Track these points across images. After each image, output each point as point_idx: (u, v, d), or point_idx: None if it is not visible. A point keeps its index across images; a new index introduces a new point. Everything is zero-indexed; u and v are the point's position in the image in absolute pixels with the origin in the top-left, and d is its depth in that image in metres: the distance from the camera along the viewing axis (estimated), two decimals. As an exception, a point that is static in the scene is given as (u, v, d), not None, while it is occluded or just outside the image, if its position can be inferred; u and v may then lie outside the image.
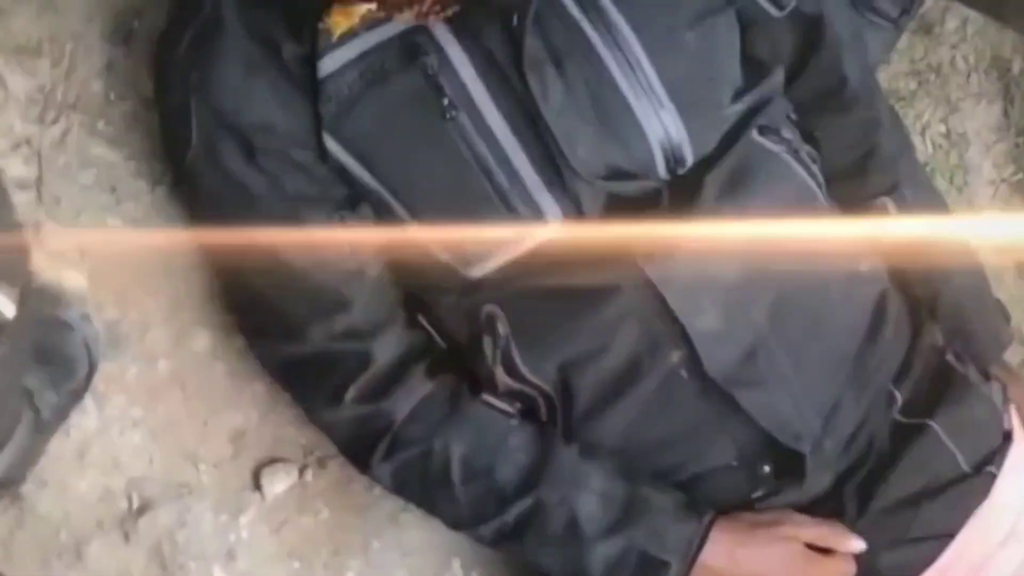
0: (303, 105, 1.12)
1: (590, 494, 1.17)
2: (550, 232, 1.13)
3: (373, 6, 1.08)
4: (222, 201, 1.16)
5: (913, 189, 1.31)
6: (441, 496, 1.20)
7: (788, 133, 1.21)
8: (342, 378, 1.18)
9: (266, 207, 1.14)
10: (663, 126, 1.12)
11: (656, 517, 1.17)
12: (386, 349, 1.18)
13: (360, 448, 1.20)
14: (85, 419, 1.28)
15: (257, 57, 1.11)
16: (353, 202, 1.15)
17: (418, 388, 1.19)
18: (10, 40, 1.28)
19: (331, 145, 1.12)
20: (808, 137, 1.26)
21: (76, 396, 1.27)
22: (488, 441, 1.18)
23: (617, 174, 1.13)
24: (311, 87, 1.11)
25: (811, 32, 1.24)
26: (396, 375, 1.18)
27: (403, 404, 1.18)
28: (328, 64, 1.10)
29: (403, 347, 1.19)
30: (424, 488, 1.20)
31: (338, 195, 1.15)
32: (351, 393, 1.17)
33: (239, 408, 1.35)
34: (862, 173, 1.30)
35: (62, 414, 1.25)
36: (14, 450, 1.16)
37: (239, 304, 1.26)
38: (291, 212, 1.14)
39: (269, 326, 1.21)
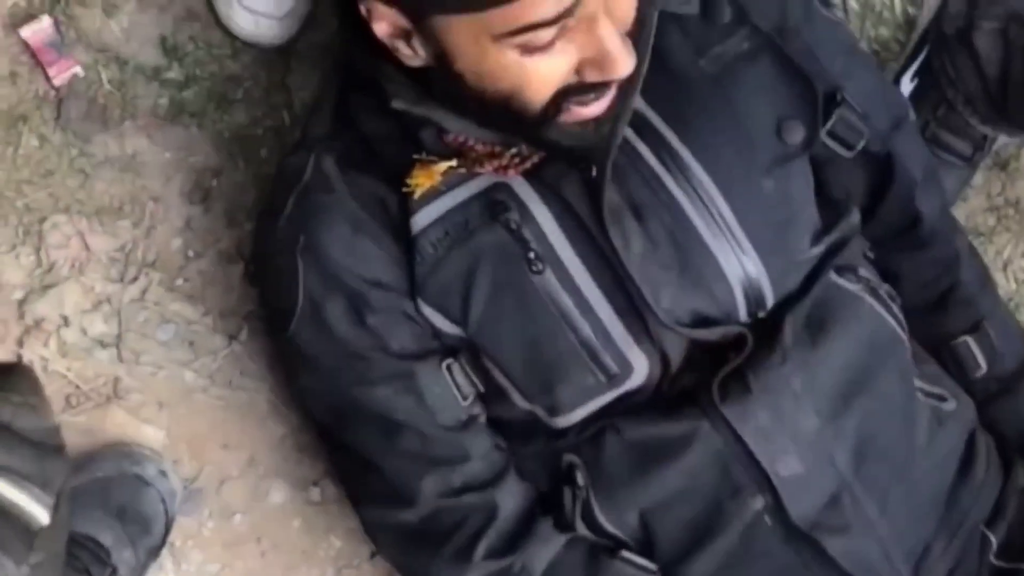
0: (405, 259, 1.12)
1: None
2: (636, 382, 1.12)
3: (453, 163, 1.10)
4: (329, 362, 1.15)
5: (996, 326, 1.28)
6: None
7: (866, 272, 1.20)
8: (468, 535, 1.14)
9: (376, 367, 1.13)
10: (744, 270, 1.12)
11: None
12: (510, 498, 1.16)
13: None
14: (162, 576, 1.28)
15: (361, 215, 1.12)
16: (452, 352, 1.15)
17: (552, 539, 1.15)
18: (92, 202, 1.32)
19: (419, 302, 1.13)
20: (887, 275, 1.25)
21: (153, 553, 1.27)
22: None
23: (701, 321, 1.12)
24: (408, 242, 1.12)
25: (882, 171, 1.24)
26: (526, 526, 1.15)
27: (540, 556, 1.15)
28: (418, 221, 1.11)
29: (527, 496, 1.17)
30: None
31: (439, 345, 1.14)
32: (480, 550, 1.14)
33: (316, 563, 1.34)
34: (943, 311, 1.28)
35: (140, 572, 1.25)
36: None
37: (348, 471, 1.24)
38: (402, 369, 1.13)
39: (381, 492, 1.18)
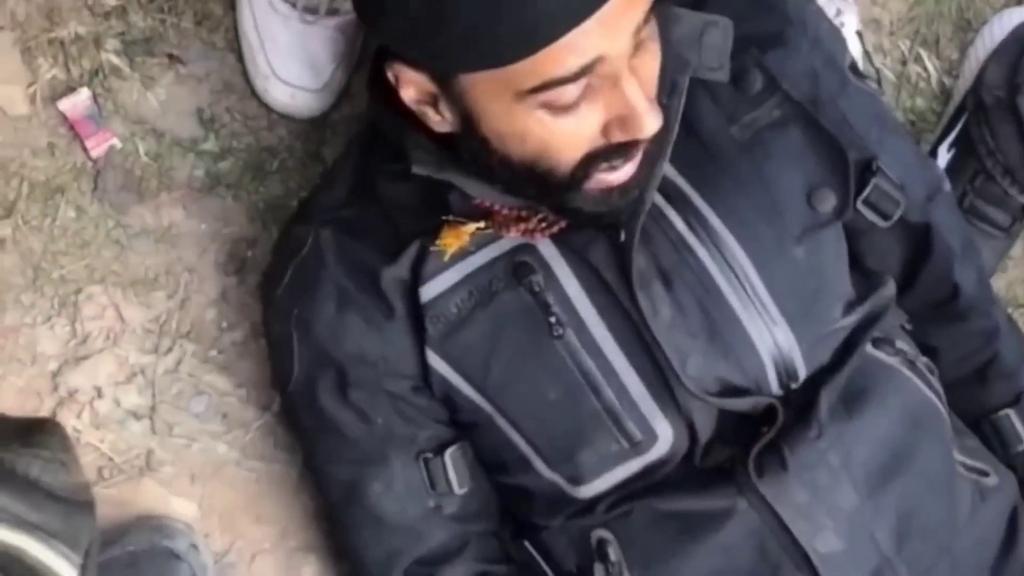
0: (401, 330, 1.13)
1: None
2: (661, 451, 1.10)
3: (482, 224, 1.09)
4: (316, 435, 1.19)
5: (1039, 399, 1.26)
6: None
7: (903, 344, 1.19)
8: None
9: (354, 445, 1.16)
10: (774, 340, 1.11)
11: None
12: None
13: None
14: (192, 651, 1.26)
15: (351, 289, 1.13)
16: (442, 442, 1.16)
17: None
18: (128, 274, 1.32)
19: (437, 364, 1.12)
20: (925, 348, 1.24)
21: (183, 629, 1.25)
22: None
23: (729, 390, 1.11)
24: (411, 310, 1.12)
25: (920, 242, 1.23)
26: None
27: None
28: (435, 287, 1.11)
29: (470, 574, 1.18)
30: None
31: (427, 433, 1.16)
32: None
33: (347, 639, 1.32)
34: (982, 383, 1.26)
35: (169, 647, 1.24)
36: None
37: (338, 544, 1.28)
38: (376, 451, 1.16)
39: (356, 569, 1.22)
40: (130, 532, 1.24)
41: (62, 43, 1.32)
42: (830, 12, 1.37)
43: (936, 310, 1.25)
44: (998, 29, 1.47)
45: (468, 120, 0.99)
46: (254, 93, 1.35)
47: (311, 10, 1.31)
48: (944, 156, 1.45)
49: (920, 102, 1.48)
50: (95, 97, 1.32)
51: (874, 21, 1.48)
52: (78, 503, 0.89)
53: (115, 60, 1.33)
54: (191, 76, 1.35)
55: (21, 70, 1.32)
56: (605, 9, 0.90)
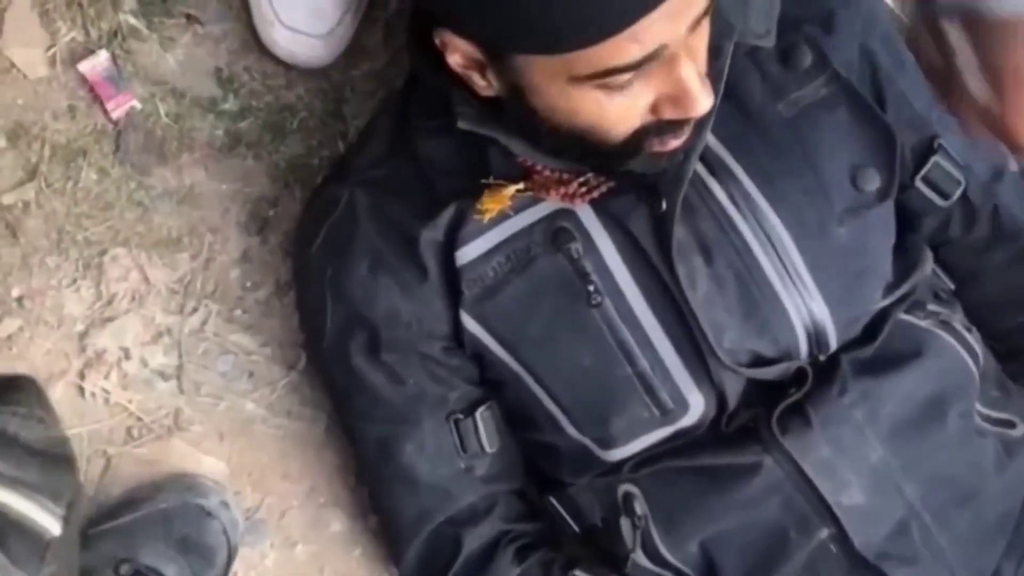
0: (435, 292, 1.13)
1: None
2: (692, 419, 1.11)
3: (521, 186, 1.09)
4: (349, 394, 1.20)
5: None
6: None
7: (936, 306, 1.18)
8: (441, 568, 1.19)
9: (387, 405, 1.17)
10: (811, 315, 1.11)
11: None
12: (475, 538, 1.18)
13: None
14: (225, 607, 1.28)
15: (384, 251, 1.14)
16: (472, 402, 1.17)
17: (505, 572, 1.18)
18: (151, 235, 1.33)
19: (471, 325, 1.13)
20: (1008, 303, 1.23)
21: (216, 584, 1.27)
22: None
23: (760, 361, 1.11)
24: (446, 272, 1.12)
25: (987, 223, 1.21)
26: (484, 563, 1.18)
27: None
28: (472, 250, 1.11)
29: (494, 534, 1.19)
30: None
31: (457, 394, 1.17)
32: None
33: (377, 591, 1.34)
34: None
35: (202, 603, 1.26)
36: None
37: (368, 500, 1.31)
38: (409, 412, 1.16)
39: (387, 526, 1.24)
40: (163, 490, 1.26)
41: (80, 5, 1.31)
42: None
43: (1012, 293, 1.24)
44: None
45: (517, 91, 0.98)
46: (263, 47, 1.33)
47: None
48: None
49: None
50: (114, 58, 1.31)
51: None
52: (57, 456, 0.91)
53: (133, 21, 1.32)
54: (209, 36, 1.34)
55: (40, 33, 1.31)
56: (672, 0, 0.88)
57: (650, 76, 0.94)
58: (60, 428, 0.90)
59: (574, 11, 0.88)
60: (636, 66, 0.92)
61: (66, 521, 0.86)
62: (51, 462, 0.88)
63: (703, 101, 0.95)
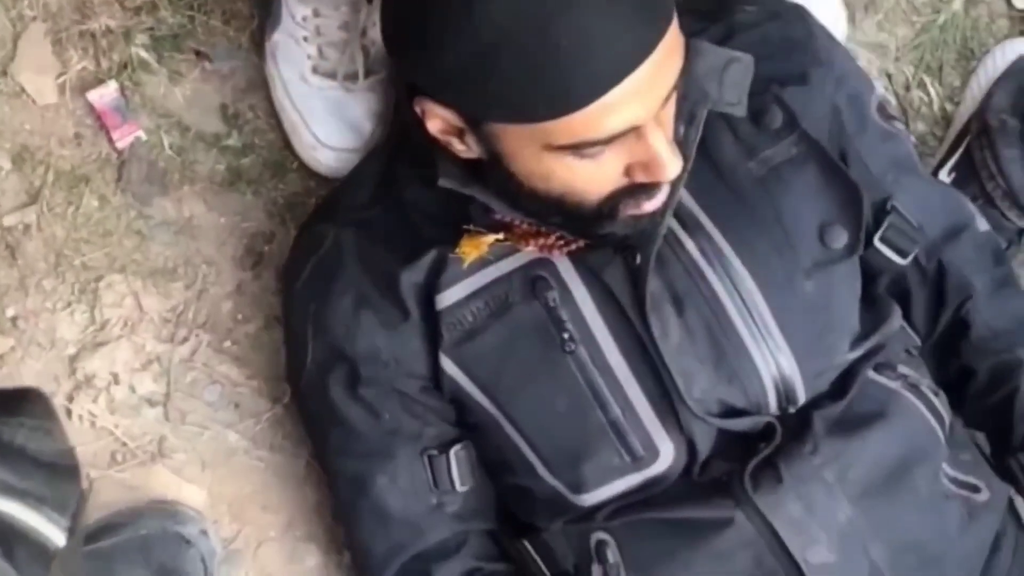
0: (415, 333, 1.16)
1: None
2: (662, 467, 1.14)
3: (501, 236, 1.12)
4: (326, 428, 1.22)
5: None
6: None
7: (905, 368, 1.21)
8: None
9: (362, 439, 1.19)
10: (778, 367, 1.13)
11: None
12: (445, 574, 1.19)
13: None
14: (197, 635, 1.29)
15: (367, 290, 1.16)
16: (447, 440, 1.19)
17: None
18: (148, 264, 1.35)
19: (450, 368, 1.15)
20: (959, 375, 1.25)
21: (190, 613, 1.28)
22: None
23: (730, 412, 1.14)
24: (426, 315, 1.15)
25: (935, 281, 1.24)
26: None
27: None
28: (452, 294, 1.14)
29: (464, 571, 1.20)
30: None
31: (433, 431, 1.19)
32: None
33: (347, 628, 1.35)
34: (1010, 419, 1.23)
35: (176, 630, 1.27)
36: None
37: (342, 535, 1.31)
38: (383, 446, 1.19)
39: (359, 560, 1.25)
40: (143, 516, 1.27)
41: (93, 36, 1.35)
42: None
43: (956, 345, 1.26)
44: (1000, 58, 1.50)
45: (495, 156, 1.02)
46: (301, 163, 1.37)
47: (351, 77, 1.34)
48: (944, 180, 1.48)
49: (921, 126, 1.51)
50: (123, 90, 1.35)
51: (880, 46, 1.51)
52: (63, 468, 0.92)
53: (144, 54, 1.36)
54: (216, 73, 1.37)
55: (52, 61, 1.34)
56: (638, 77, 0.93)
57: (621, 145, 0.98)
58: (67, 440, 0.92)
59: (548, 84, 0.93)
60: (608, 141, 0.96)
61: (71, 532, 0.88)
62: (57, 474, 0.89)
63: (672, 167, 0.99)
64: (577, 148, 0.97)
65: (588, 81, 0.93)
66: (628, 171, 1.01)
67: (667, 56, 0.96)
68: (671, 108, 1.01)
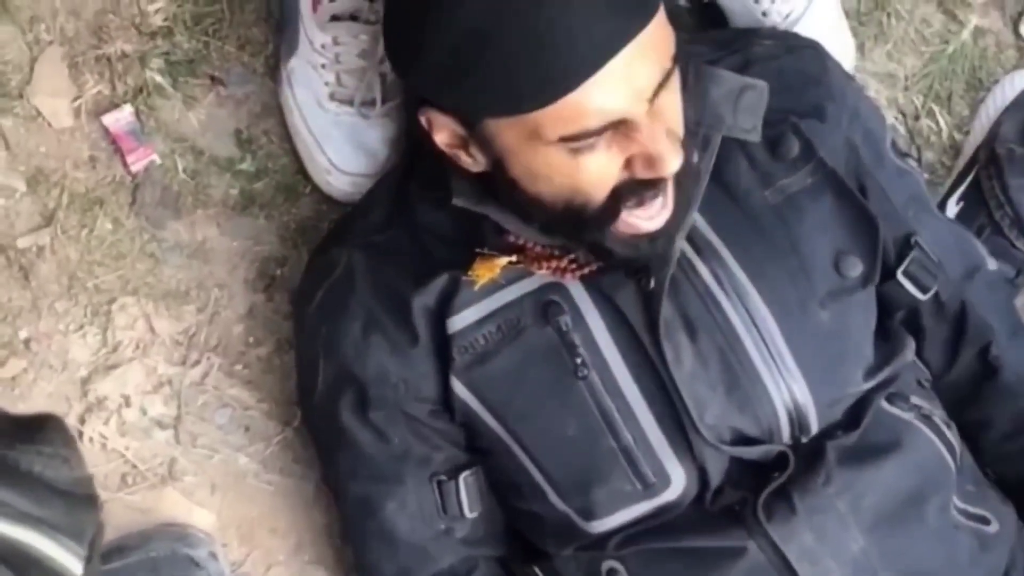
0: (425, 356, 1.16)
1: None
2: (673, 495, 1.14)
3: (513, 258, 1.13)
4: (335, 451, 1.23)
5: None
6: None
7: (919, 399, 1.21)
8: None
9: (371, 463, 1.20)
10: (792, 396, 1.14)
11: None
12: None
13: None
14: (206, 658, 1.29)
15: (378, 313, 1.17)
16: (456, 466, 1.19)
17: None
18: (160, 287, 1.36)
19: (461, 391, 1.16)
20: (973, 421, 1.26)
21: (199, 635, 1.28)
22: None
23: (742, 440, 1.14)
24: (437, 338, 1.16)
25: (957, 320, 1.25)
26: None
27: None
28: (464, 318, 1.14)
29: None
30: None
31: (442, 456, 1.19)
32: None
33: (355, 652, 1.35)
34: None
35: (185, 652, 1.27)
36: None
37: (350, 559, 1.31)
38: (392, 470, 1.19)
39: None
40: (153, 539, 1.28)
41: (108, 60, 1.36)
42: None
43: (978, 387, 1.27)
44: (1008, 88, 1.51)
45: (498, 162, 1.04)
46: (314, 187, 1.38)
47: (368, 104, 1.34)
48: (952, 209, 1.48)
49: (930, 155, 1.52)
50: (137, 114, 1.36)
51: (889, 76, 1.52)
52: (81, 496, 0.91)
53: (159, 79, 1.37)
54: (231, 98, 1.38)
55: (67, 84, 1.35)
56: (618, 64, 0.95)
57: (617, 138, 0.99)
58: (84, 468, 0.92)
59: (529, 72, 0.95)
60: (599, 132, 0.97)
61: (88, 560, 0.88)
62: (75, 502, 0.89)
63: (670, 160, 1.00)
64: (570, 141, 0.98)
65: (567, 68, 0.95)
66: (629, 165, 1.01)
67: (651, 46, 0.97)
68: (671, 102, 1.01)
